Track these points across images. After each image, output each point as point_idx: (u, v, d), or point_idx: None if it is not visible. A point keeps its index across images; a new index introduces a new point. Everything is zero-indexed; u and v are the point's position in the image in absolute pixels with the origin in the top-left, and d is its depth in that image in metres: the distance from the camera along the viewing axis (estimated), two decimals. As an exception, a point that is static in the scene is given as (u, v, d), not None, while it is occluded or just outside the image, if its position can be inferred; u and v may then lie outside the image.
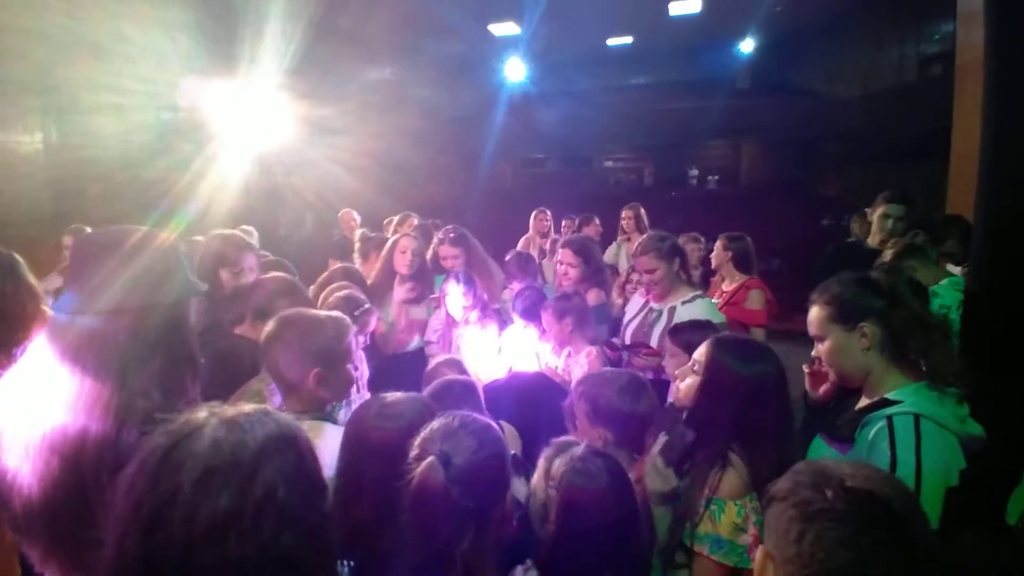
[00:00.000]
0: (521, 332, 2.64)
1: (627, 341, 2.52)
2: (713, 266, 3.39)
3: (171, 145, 6.74)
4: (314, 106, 7.75)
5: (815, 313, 1.46)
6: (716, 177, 10.56)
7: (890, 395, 1.36)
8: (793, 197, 8.72)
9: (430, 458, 1.06)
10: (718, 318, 2.36)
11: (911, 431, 1.28)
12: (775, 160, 10.08)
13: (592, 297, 2.77)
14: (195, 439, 0.74)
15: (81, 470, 1.08)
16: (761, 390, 1.38)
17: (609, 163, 11.95)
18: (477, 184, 10.16)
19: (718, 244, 3.32)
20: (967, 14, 3.99)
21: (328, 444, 1.50)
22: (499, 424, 1.91)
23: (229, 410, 0.80)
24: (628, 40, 9.92)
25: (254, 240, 4.92)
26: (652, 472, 1.50)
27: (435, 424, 1.16)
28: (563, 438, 1.44)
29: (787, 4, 8.00)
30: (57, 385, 1.12)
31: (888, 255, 2.59)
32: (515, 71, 10.12)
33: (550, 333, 2.49)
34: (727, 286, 3.29)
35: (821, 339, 1.46)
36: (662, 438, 1.57)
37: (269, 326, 1.59)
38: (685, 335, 2.13)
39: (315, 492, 0.82)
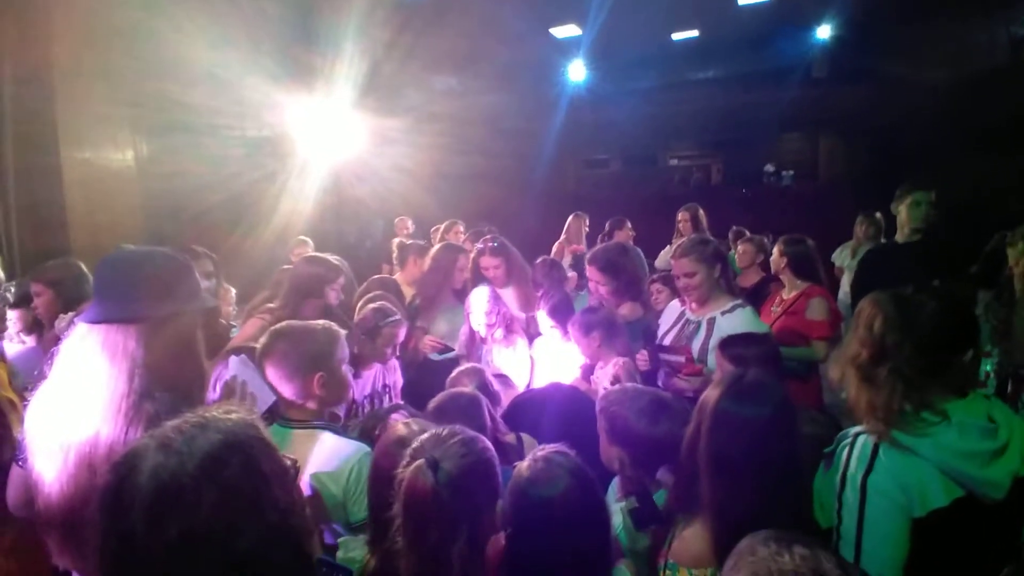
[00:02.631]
0: (548, 332, 2.61)
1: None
2: (773, 272, 3.18)
3: (256, 160, 7.24)
4: (382, 119, 8.07)
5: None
6: (791, 172, 9.91)
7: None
8: (876, 191, 8.04)
9: (419, 461, 1.11)
10: (761, 329, 2.21)
11: (868, 451, 1.21)
12: (856, 152, 9.34)
13: (626, 311, 2.66)
14: (137, 472, 0.77)
15: (94, 469, 1.19)
16: (734, 438, 1.20)
17: (674, 161, 11.54)
18: (540, 188, 10.15)
19: (775, 249, 3.12)
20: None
21: (322, 452, 1.56)
22: (519, 436, 1.92)
23: (168, 429, 0.82)
24: (694, 33, 9.54)
25: (310, 249, 5.21)
26: (624, 529, 1.44)
27: (424, 436, 1.21)
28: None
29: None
30: (75, 389, 1.24)
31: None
32: (577, 73, 10.04)
33: (580, 348, 2.43)
34: (787, 294, 3.08)
35: None
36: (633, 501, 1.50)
37: (263, 340, 1.68)
38: (736, 349, 2.02)
39: (271, 489, 0.83)
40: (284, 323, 1.79)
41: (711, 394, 1.27)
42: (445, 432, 1.20)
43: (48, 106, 4.44)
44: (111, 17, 4.79)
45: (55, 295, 2.57)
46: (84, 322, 1.29)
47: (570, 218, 5.45)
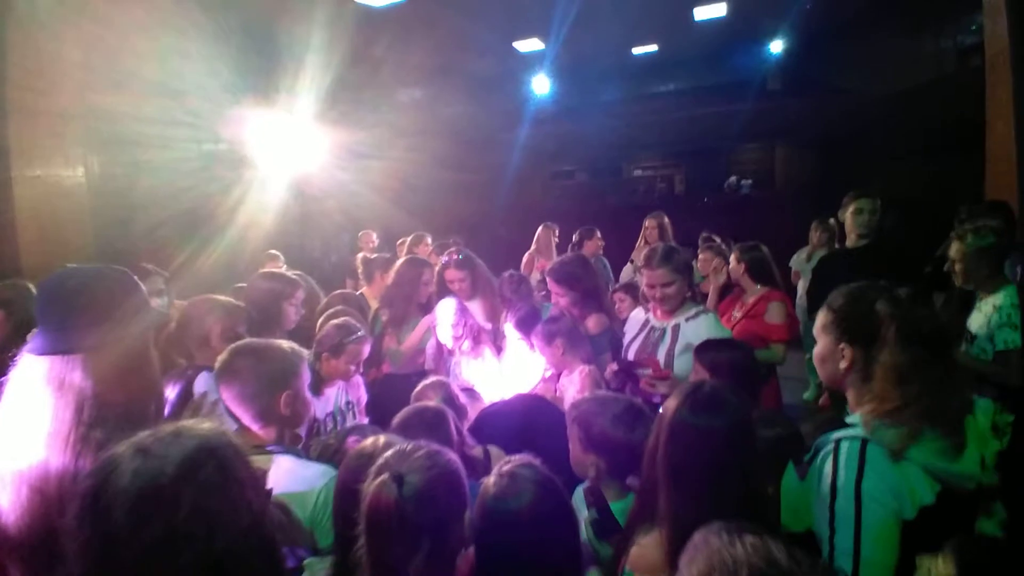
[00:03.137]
0: (515, 345, 2.61)
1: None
2: (732, 278, 3.26)
3: (212, 173, 7.06)
4: (347, 131, 7.99)
5: (821, 314, 1.40)
6: (750, 181, 10.23)
7: (849, 417, 1.28)
8: (831, 197, 8.36)
9: (383, 476, 1.10)
10: (723, 334, 2.26)
11: (855, 456, 1.20)
12: (811, 160, 9.71)
13: (592, 324, 2.67)
14: (117, 475, 0.81)
15: (47, 501, 1.17)
16: (689, 447, 1.21)
17: (638, 172, 11.79)
18: (507, 200, 10.22)
19: (732, 256, 3.21)
20: (992, 5, 4.05)
21: (280, 475, 1.51)
22: (486, 449, 1.90)
23: (143, 437, 0.86)
24: (654, 48, 9.81)
25: (282, 263, 5.12)
26: (588, 538, 1.45)
27: (389, 451, 1.19)
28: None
29: (817, 1, 7.75)
30: (24, 421, 1.21)
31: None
32: (541, 86, 10.19)
33: (544, 358, 2.44)
34: (747, 298, 3.16)
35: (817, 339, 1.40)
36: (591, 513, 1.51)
37: (222, 358, 1.61)
38: (711, 354, 2.05)
39: (245, 492, 0.88)
40: (244, 341, 1.72)
41: (670, 404, 1.28)
42: (410, 447, 1.20)
43: (1, 122, 4.26)
44: (63, 31, 4.63)
45: (6, 316, 2.47)
46: (28, 353, 1.25)
47: (539, 229, 5.45)
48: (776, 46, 9.24)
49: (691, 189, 10.89)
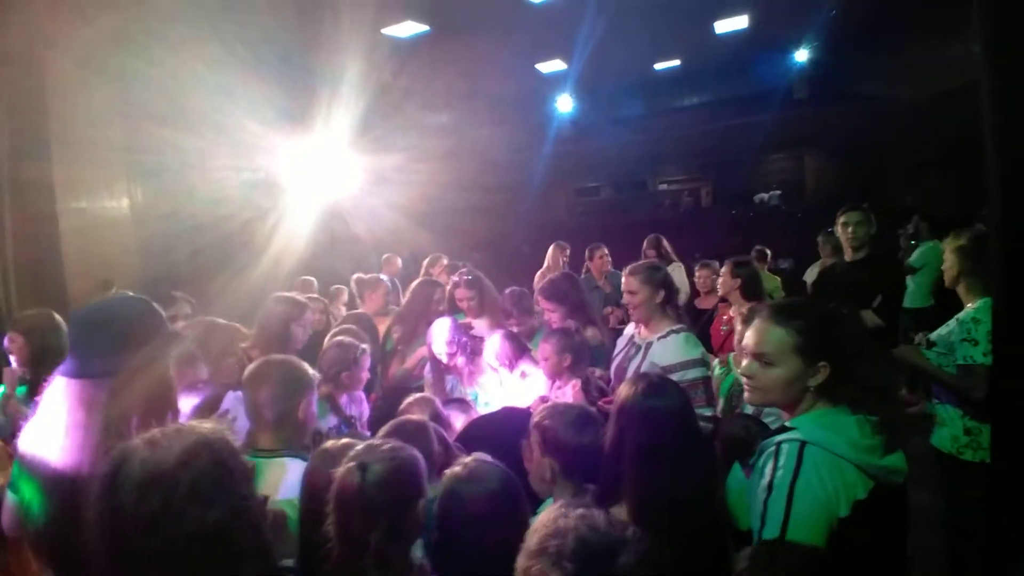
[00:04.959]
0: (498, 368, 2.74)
1: (612, 376, 2.54)
2: (721, 294, 3.31)
3: (249, 201, 7.44)
4: (377, 157, 8.31)
5: (778, 335, 1.37)
6: (778, 192, 10.07)
7: (789, 422, 1.37)
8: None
9: (350, 464, 1.32)
10: (693, 353, 2.33)
11: (793, 458, 1.28)
12: (841, 169, 9.49)
13: (590, 334, 2.80)
14: (128, 463, 0.99)
15: (76, 502, 1.30)
16: (660, 426, 1.46)
17: (664, 186, 11.75)
18: (533, 218, 10.37)
19: (724, 270, 3.25)
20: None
21: (288, 478, 1.68)
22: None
23: (153, 432, 1.05)
24: (676, 63, 9.85)
25: (315, 288, 5.35)
26: None
27: (360, 446, 1.41)
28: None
29: (840, 6, 7.65)
30: (57, 435, 1.40)
31: None
32: (565, 105, 10.35)
33: (546, 364, 2.56)
34: (735, 313, 3.19)
35: (771, 363, 1.38)
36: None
37: (254, 367, 1.84)
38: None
39: (234, 479, 1.05)
40: (273, 355, 1.96)
41: (630, 395, 1.52)
42: (377, 442, 1.42)
43: (44, 155, 4.58)
44: (105, 64, 4.97)
45: (26, 342, 2.66)
46: (61, 375, 1.46)
47: (551, 248, 5.57)
48: (800, 55, 9.14)
49: (718, 201, 10.79)
